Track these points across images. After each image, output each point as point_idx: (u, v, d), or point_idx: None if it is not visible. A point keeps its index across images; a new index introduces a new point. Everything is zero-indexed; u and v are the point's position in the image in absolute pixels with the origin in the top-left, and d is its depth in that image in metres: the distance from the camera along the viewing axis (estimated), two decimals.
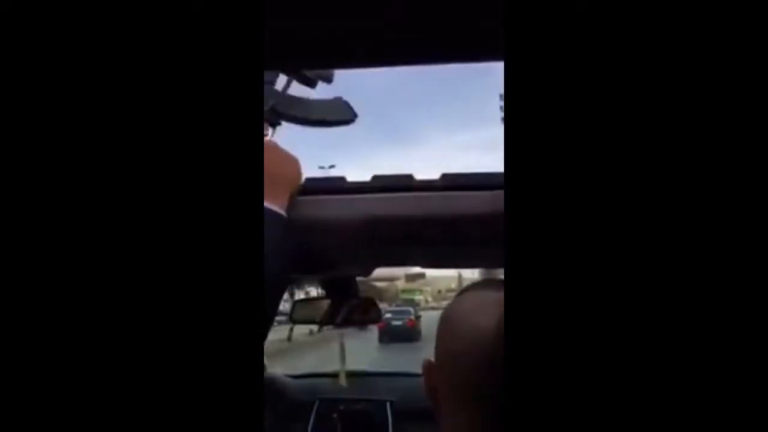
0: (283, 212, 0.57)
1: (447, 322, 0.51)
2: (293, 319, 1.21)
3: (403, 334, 11.21)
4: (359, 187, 0.65)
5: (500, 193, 0.64)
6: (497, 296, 0.48)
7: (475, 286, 0.54)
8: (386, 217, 0.62)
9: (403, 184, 0.64)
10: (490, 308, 0.47)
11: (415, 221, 0.62)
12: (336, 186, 0.67)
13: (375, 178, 0.66)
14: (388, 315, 12.64)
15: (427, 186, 0.63)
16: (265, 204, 0.55)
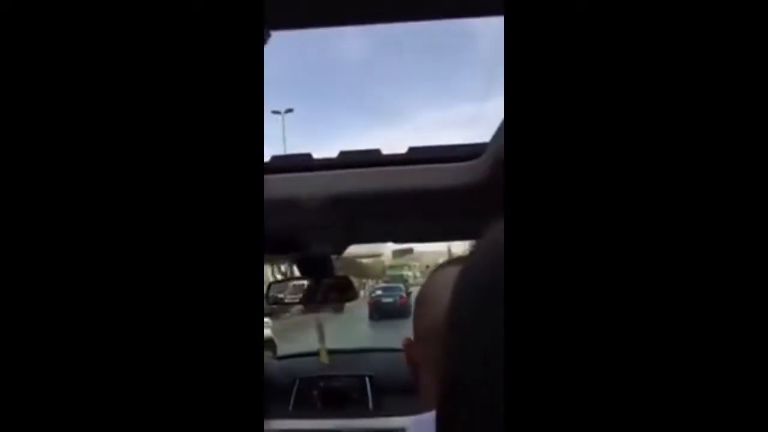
0: None
1: (422, 299, 0.52)
2: (270, 300, 1.23)
3: (394, 312, 11.30)
4: (326, 164, 0.65)
5: (468, 165, 0.65)
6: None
7: (447, 263, 0.56)
8: (355, 194, 0.62)
9: (370, 159, 0.64)
10: None
11: (384, 196, 0.62)
12: (303, 163, 0.66)
13: (342, 153, 0.66)
14: (378, 292, 12.64)
15: (395, 160, 0.63)
16: None
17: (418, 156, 0.63)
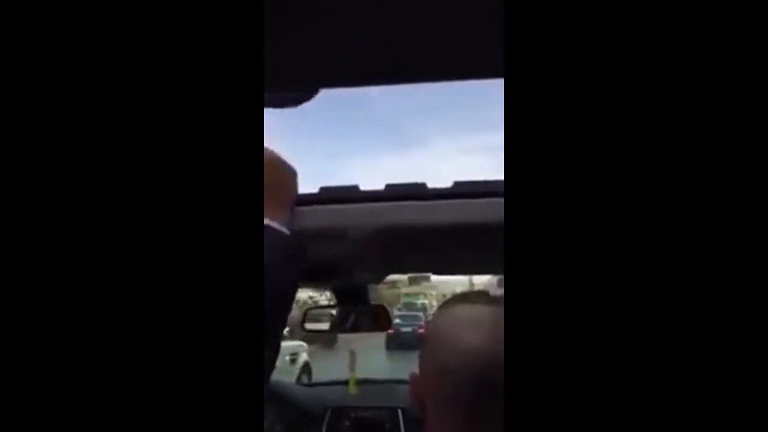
0: (284, 229, 0.59)
1: (432, 335, 0.52)
2: (305, 327, 1.27)
3: (413, 342, 10.90)
4: (373, 196, 0.69)
5: None
6: (481, 310, 0.51)
7: (459, 298, 0.57)
8: (399, 226, 0.65)
9: (416, 192, 0.67)
10: (475, 323, 0.49)
11: (427, 229, 0.65)
12: (350, 195, 0.70)
13: (388, 186, 0.69)
14: (397, 320, 12.49)
15: (440, 194, 0.66)
16: (270, 223, 0.57)
17: (462, 190, 0.66)
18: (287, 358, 5.50)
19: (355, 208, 0.68)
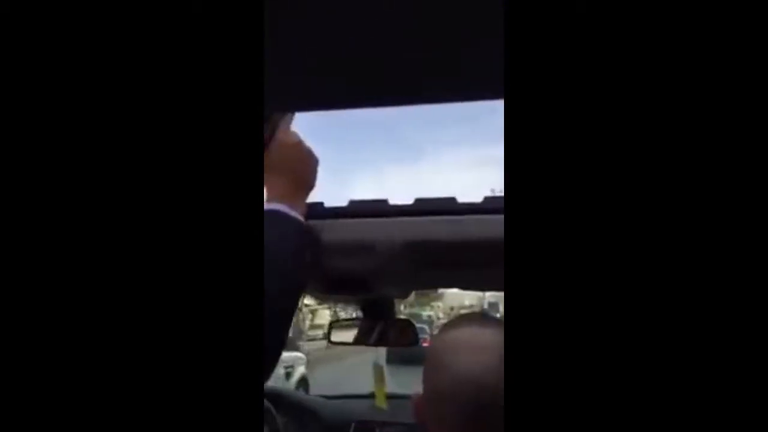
0: (300, 216, 0.60)
1: (433, 355, 0.52)
2: (330, 339, 1.30)
3: (416, 356, 10.69)
4: (401, 210, 0.70)
5: None
6: (481, 333, 0.50)
7: (461, 319, 0.57)
8: (428, 241, 0.66)
9: (445, 207, 0.68)
10: (474, 346, 0.49)
11: (457, 244, 0.66)
12: (378, 208, 0.71)
13: (417, 201, 0.71)
14: None
15: (470, 209, 0.67)
16: (287, 210, 0.59)
17: (493, 205, 0.67)
18: (282, 371, 5.20)
19: (384, 222, 0.69)
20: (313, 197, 0.68)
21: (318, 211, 0.70)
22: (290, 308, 0.58)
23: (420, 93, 0.32)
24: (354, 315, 1.38)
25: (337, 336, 1.29)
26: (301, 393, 1.37)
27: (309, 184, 0.64)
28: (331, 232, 0.68)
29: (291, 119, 0.66)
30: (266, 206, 0.60)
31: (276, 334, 0.56)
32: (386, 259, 0.69)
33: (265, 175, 0.62)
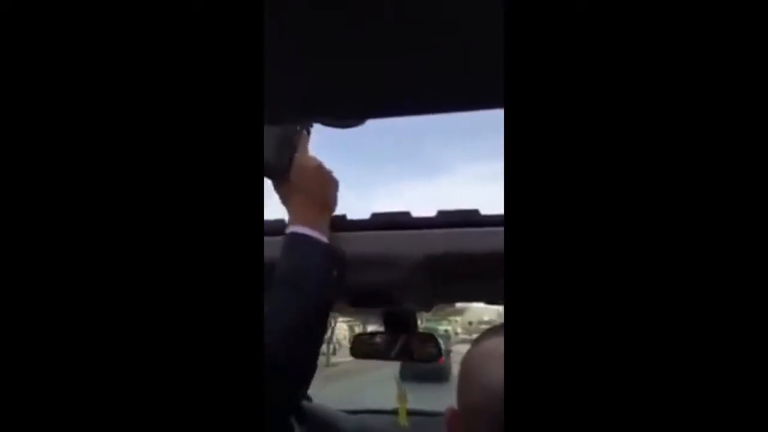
0: (324, 238, 0.62)
1: (467, 369, 0.52)
2: (353, 353, 1.31)
3: (430, 373, 9.91)
4: (424, 222, 0.70)
5: None
6: None
7: (493, 331, 0.56)
8: (451, 253, 0.66)
9: (468, 219, 0.68)
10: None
11: (480, 257, 0.65)
12: (401, 221, 0.71)
13: (440, 213, 0.71)
14: None
15: (493, 221, 0.67)
16: (310, 232, 0.61)
17: None
18: None
19: (407, 235, 0.69)
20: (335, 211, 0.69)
21: (341, 223, 0.71)
22: (320, 328, 0.60)
23: (422, 101, 0.32)
24: (374, 328, 1.39)
25: (360, 350, 1.30)
26: (323, 406, 1.37)
27: (330, 206, 0.67)
28: (354, 244, 0.68)
29: (307, 141, 0.67)
30: (290, 229, 0.62)
31: (309, 353, 0.59)
32: (409, 272, 0.69)
33: (287, 199, 0.65)
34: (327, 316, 0.62)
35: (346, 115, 0.42)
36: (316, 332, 0.60)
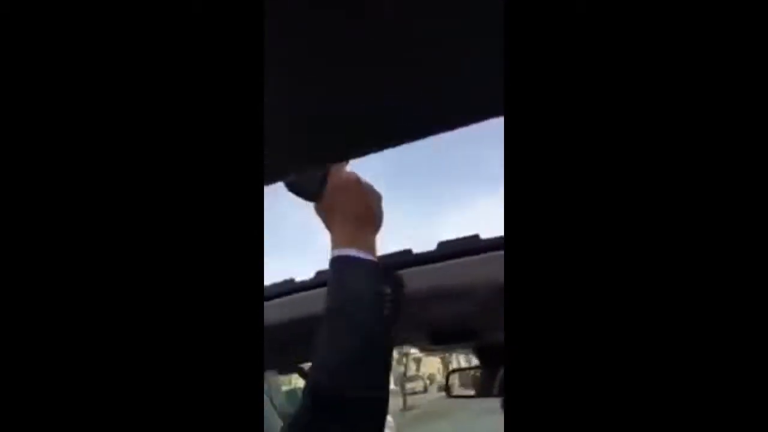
0: (372, 257, 0.57)
1: None
2: (449, 392, 1.24)
3: None
4: (493, 245, 0.66)
5: None
6: None
7: None
8: None
9: None
10: None
11: None
12: (470, 246, 0.67)
13: None
14: None
15: None
16: (354, 252, 0.56)
17: None
18: None
19: (478, 261, 0.65)
20: (403, 243, 0.66)
21: (407, 259, 0.68)
22: (383, 352, 0.56)
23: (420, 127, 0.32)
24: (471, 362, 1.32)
25: (456, 388, 1.23)
26: None
27: (374, 222, 0.62)
28: (425, 279, 0.65)
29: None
30: (334, 253, 0.58)
31: (374, 383, 0.54)
32: (487, 301, 0.65)
33: (327, 221, 0.61)
34: (388, 342, 0.57)
35: (346, 155, 0.41)
36: (376, 362, 0.55)
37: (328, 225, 0.61)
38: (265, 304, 0.74)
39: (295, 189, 0.60)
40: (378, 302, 0.55)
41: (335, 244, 0.59)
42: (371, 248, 0.60)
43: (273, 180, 0.33)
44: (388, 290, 0.57)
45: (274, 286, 0.78)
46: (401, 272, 0.63)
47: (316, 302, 0.62)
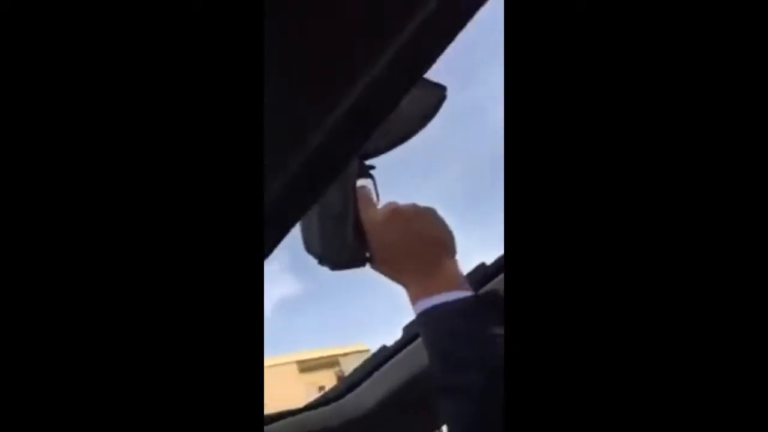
0: (466, 293, 0.46)
1: None
2: None
3: None
4: None
5: None
6: None
7: None
8: None
9: None
10: None
11: None
12: None
13: None
14: None
15: None
16: (436, 299, 0.46)
17: None
18: None
19: None
20: (472, 259, 0.57)
21: (481, 273, 0.62)
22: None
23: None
24: None
25: None
26: None
27: (443, 245, 0.50)
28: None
29: (371, 196, 0.51)
30: (417, 309, 0.48)
31: None
32: None
33: (393, 278, 0.51)
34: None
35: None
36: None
37: (396, 280, 0.50)
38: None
39: (331, 263, 0.51)
40: (485, 346, 0.42)
41: (412, 300, 0.48)
42: (453, 282, 0.46)
43: (273, 180, 0.32)
44: (495, 330, 0.43)
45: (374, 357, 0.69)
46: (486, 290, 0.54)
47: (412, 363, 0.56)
